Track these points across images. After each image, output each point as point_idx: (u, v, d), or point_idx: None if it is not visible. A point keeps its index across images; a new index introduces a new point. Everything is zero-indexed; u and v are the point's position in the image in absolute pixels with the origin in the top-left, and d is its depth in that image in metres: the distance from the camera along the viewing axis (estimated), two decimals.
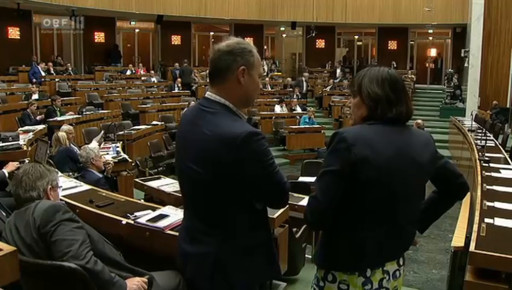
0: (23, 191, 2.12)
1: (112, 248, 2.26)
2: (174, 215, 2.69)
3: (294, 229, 4.12)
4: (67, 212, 2.02)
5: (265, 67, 17.36)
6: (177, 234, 2.47)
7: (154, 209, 2.90)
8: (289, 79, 16.53)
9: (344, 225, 1.65)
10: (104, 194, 3.34)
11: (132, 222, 2.69)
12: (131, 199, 3.31)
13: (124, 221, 2.71)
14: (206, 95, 1.71)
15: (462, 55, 15.14)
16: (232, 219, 1.67)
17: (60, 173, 4.10)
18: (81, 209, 2.97)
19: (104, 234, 2.60)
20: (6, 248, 1.54)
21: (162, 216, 2.71)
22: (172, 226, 2.57)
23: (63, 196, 3.22)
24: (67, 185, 3.57)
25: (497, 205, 3.78)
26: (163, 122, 10.66)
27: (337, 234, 1.68)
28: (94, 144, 6.00)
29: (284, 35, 20.31)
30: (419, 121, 8.49)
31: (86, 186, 3.58)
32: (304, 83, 16.16)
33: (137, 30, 17.63)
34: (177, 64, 16.28)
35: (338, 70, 17.51)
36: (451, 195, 1.87)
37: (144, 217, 2.72)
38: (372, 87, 1.65)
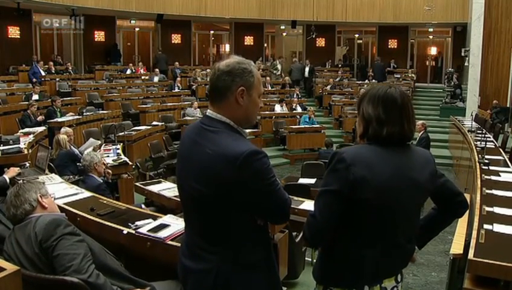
0: (15, 209, 2.14)
1: (113, 259, 2.28)
2: (175, 224, 2.71)
3: (294, 233, 4.14)
4: (68, 226, 2.03)
5: (279, 66, 17.34)
6: (177, 244, 2.49)
7: (155, 218, 2.91)
8: (287, 78, 16.51)
9: (343, 243, 1.68)
10: (105, 201, 3.35)
11: (133, 232, 2.69)
12: (132, 207, 3.32)
13: (125, 231, 2.72)
14: (207, 113, 1.72)
15: (463, 54, 15.11)
16: (234, 235, 1.68)
17: (60, 179, 4.13)
18: (82, 218, 2.98)
19: (105, 243, 2.61)
20: (9, 267, 1.55)
21: (162, 226, 2.72)
22: (173, 236, 2.58)
23: (64, 204, 3.24)
24: (68, 192, 3.58)
25: (496, 210, 3.79)
26: (163, 123, 10.66)
27: (335, 251, 1.71)
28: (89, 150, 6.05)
29: (284, 34, 20.27)
30: (422, 122, 8.48)
31: (86, 193, 3.58)
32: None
33: (137, 29, 17.60)
34: (177, 63, 16.27)
35: (307, 69, 17.41)
36: (450, 213, 1.90)
37: (144, 226, 2.73)
38: (367, 106, 1.68)
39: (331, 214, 1.62)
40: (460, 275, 3.26)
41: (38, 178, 4.05)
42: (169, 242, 2.55)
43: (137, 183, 5.05)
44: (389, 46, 18.60)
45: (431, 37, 18.91)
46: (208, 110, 1.72)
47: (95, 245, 2.18)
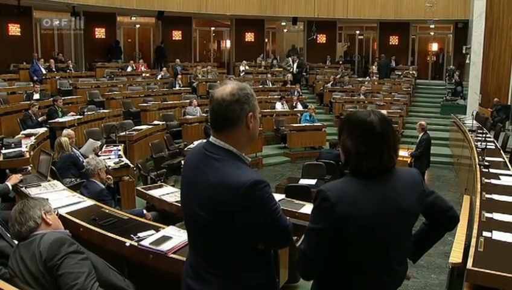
0: (20, 226, 2.17)
1: (117, 274, 2.31)
2: (177, 237, 2.73)
3: (295, 238, 4.16)
4: (72, 244, 2.07)
5: (291, 63, 17.27)
6: (180, 257, 2.53)
7: (157, 229, 2.94)
8: (289, 75, 16.46)
9: (334, 272, 1.70)
10: (107, 210, 3.38)
11: (136, 244, 2.72)
12: (134, 217, 3.34)
13: (128, 243, 2.75)
14: (210, 140, 1.74)
15: (464, 52, 15.06)
16: (236, 259, 1.72)
17: (62, 187, 4.16)
18: (85, 229, 3.01)
19: (108, 253, 2.65)
20: None
21: (165, 238, 2.74)
22: (175, 249, 2.61)
23: (67, 213, 3.27)
24: (70, 200, 3.61)
25: (496, 216, 3.81)
26: (164, 122, 10.66)
27: (328, 280, 1.73)
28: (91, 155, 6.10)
29: (285, 30, 20.22)
30: (422, 122, 8.45)
31: (88, 202, 3.61)
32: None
33: (137, 25, 17.54)
34: (178, 60, 16.24)
35: (295, 66, 17.27)
36: (441, 228, 1.92)
37: (147, 238, 2.76)
38: (346, 138, 1.68)
39: (319, 251, 1.64)
40: (459, 279, 3.29)
41: (40, 185, 4.09)
42: (172, 255, 2.58)
43: (138, 188, 5.08)
44: (390, 43, 18.54)
45: (432, 33, 18.85)
46: (211, 137, 1.74)
47: (99, 261, 2.21)
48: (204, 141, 1.80)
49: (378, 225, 1.61)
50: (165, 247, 2.62)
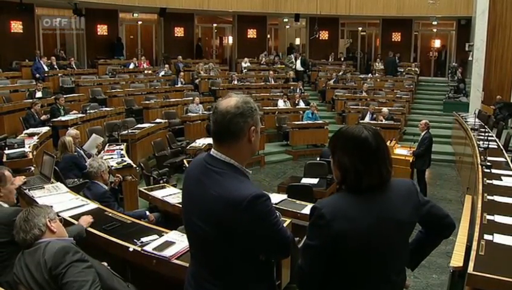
0: (25, 233, 2.19)
1: (121, 281, 2.33)
2: (180, 242, 2.75)
3: (297, 239, 4.18)
4: (76, 253, 2.09)
5: (294, 60, 17.20)
6: (183, 263, 2.55)
7: (160, 233, 2.96)
8: (291, 72, 16.42)
9: (335, 287, 1.71)
10: (110, 214, 3.40)
11: (139, 249, 2.75)
12: (137, 221, 3.37)
13: (131, 248, 2.77)
14: (211, 153, 1.75)
15: (467, 49, 14.99)
16: (236, 270, 1.74)
17: (65, 189, 4.18)
18: (89, 233, 3.03)
19: (111, 257, 2.67)
20: None
21: (168, 243, 2.76)
22: (178, 254, 2.63)
23: (70, 217, 3.29)
24: (74, 203, 3.63)
25: (497, 218, 3.83)
26: (166, 120, 10.66)
27: None
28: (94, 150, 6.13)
29: (287, 27, 20.17)
30: (425, 121, 8.43)
31: (92, 205, 3.63)
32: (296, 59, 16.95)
33: (140, 22, 17.51)
34: (180, 57, 16.22)
35: (298, 63, 17.19)
36: (438, 235, 1.94)
37: (150, 244, 2.78)
38: (342, 155, 1.68)
39: (315, 266, 1.66)
40: (461, 280, 3.31)
41: (44, 187, 4.11)
42: (175, 261, 2.60)
43: (141, 189, 5.10)
44: (393, 39, 18.48)
45: (435, 30, 18.77)
46: (212, 150, 1.75)
47: (103, 269, 2.24)
48: (205, 153, 1.81)
49: (375, 239, 1.63)
50: (168, 252, 2.65)
